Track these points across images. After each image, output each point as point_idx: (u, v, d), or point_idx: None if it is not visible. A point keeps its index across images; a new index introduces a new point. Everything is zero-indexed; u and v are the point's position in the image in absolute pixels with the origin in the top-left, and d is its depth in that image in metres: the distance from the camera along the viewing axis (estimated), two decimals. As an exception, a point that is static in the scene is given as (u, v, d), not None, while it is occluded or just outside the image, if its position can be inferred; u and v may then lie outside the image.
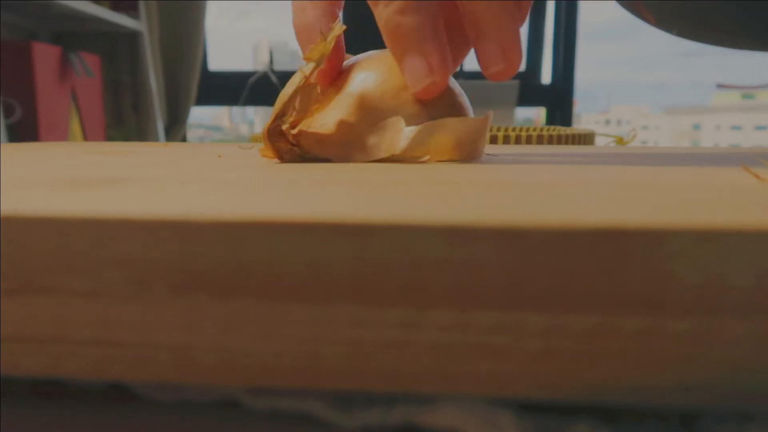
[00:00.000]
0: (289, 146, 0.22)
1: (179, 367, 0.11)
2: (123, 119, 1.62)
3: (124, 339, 0.11)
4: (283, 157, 0.22)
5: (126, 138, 1.60)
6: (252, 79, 1.72)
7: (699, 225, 0.10)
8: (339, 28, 0.22)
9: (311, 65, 0.21)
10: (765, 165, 0.20)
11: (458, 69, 0.24)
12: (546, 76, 1.83)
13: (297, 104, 0.22)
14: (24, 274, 0.11)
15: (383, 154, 0.22)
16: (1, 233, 0.11)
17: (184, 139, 1.80)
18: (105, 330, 0.11)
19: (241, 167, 0.20)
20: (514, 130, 0.67)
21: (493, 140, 0.60)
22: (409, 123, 0.21)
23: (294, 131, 0.21)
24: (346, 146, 0.22)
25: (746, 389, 0.11)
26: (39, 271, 0.11)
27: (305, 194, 0.14)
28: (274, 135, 0.22)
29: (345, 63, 0.24)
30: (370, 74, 0.22)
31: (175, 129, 1.74)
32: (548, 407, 0.12)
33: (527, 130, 0.73)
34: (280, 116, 0.22)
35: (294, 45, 0.26)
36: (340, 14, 0.24)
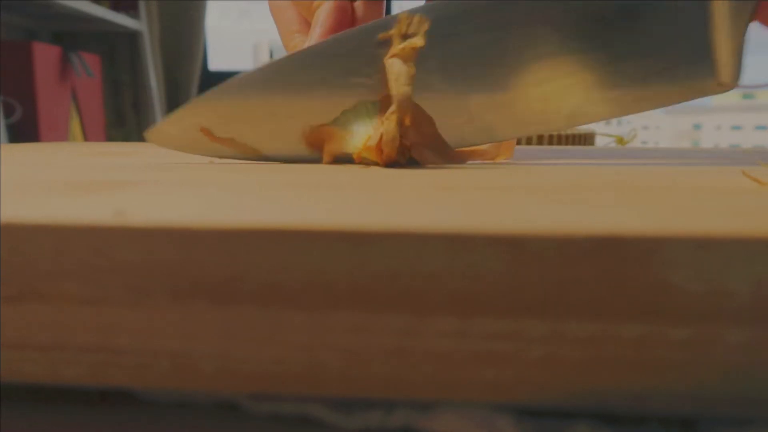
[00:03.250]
0: (403, 152, 0.21)
1: (179, 374, 0.11)
2: (123, 119, 1.62)
3: (123, 346, 0.11)
4: (397, 164, 0.21)
5: (126, 138, 1.59)
6: (252, 79, 1.72)
7: (698, 232, 0.10)
8: (421, 20, 0.20)
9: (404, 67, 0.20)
10: (763, 166, 0.20)
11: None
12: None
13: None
14: (23, 281, 0.11)
15: (486, 158, 0.23)
16: (0, 240, 0.11)
17: (184, 139, 1.79)
18: (105, 337, 0.11)
19: (241, 170, 0.20)
20: (514, 130, 0.67)
21: (493, 141, 0.60)
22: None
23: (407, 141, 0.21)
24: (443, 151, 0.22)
25: (746, 396, 0.11)
26: (38, 277, 0.11)
27: (305, 201, 0.14)
28: (391, 141, 0.20)
29: None
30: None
31: (176, 129, 1.74)
32: (548, 411, 0.12)
33: (527, 130, 0.72)
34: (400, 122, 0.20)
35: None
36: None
